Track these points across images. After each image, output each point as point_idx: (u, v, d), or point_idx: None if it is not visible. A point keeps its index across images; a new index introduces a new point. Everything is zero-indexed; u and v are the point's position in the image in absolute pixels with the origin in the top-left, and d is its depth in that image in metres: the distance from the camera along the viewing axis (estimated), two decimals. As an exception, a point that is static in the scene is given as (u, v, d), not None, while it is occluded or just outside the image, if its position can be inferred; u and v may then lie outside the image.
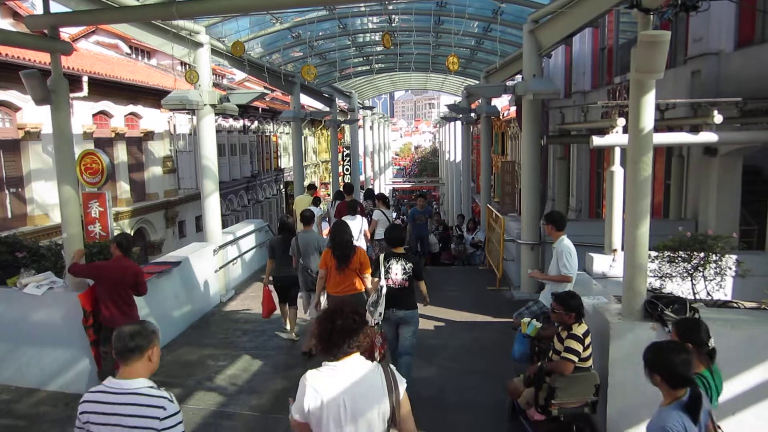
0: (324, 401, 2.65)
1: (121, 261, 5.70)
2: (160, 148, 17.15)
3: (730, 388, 4.42)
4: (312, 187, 12.38)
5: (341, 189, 11.58)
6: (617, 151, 7.75)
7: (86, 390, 2.59)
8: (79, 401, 2.76)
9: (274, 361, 6.89)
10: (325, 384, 2.68)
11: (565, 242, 5.71)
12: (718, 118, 7.07)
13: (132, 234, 15.42)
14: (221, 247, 9.66)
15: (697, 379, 3.03)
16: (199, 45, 9.26)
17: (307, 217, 7.24)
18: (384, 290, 5.47)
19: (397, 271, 5.54)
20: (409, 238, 9.96)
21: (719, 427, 3.05)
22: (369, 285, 5.92)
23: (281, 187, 27.89)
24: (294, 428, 2.78)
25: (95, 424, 2.69)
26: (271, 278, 7.44)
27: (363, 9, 11.20)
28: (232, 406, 5.69)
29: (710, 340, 3.21)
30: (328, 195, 28.12)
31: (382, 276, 5.56)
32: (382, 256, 5.70)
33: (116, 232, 7.53)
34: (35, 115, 11.69)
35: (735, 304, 5.12)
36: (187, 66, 10.29)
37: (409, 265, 5.56)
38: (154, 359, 2.79)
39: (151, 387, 2.73)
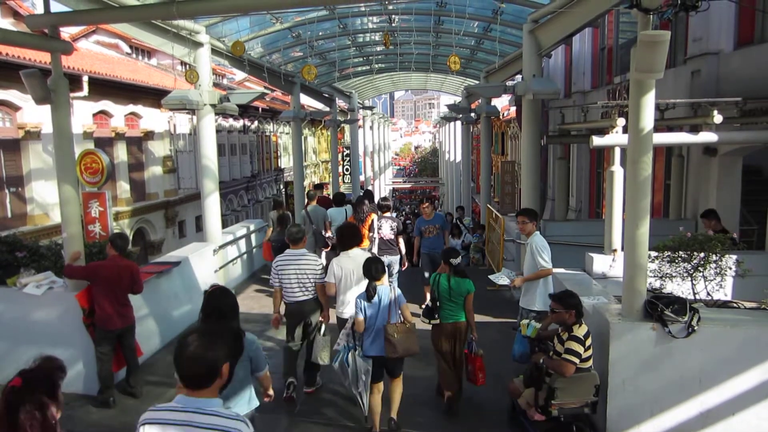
0: (343, 269, 5.52)
1: (116, 260, 5.68)
2: (160, 148, 17.15)
3: (731, 388, 4.43)
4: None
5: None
6: (617, 151, 7.74)
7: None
8: (274, 262, 5.69)
9: (274, 362, 6.85)
10: (344, 261, 5.56)
11: (538, 237, 5.87)
12: (717, 118, 7.06)
13: (132, 234, 15.41)
14: (221, 247, 9.67)
15: (444, 277, 5.46)
16: (200, 45, 9.25)
17: (312, 195, 10.13)
18: (377, 242, 8.15)
19: (386, 229, 8.23)
20: (417, 257, 8.90)
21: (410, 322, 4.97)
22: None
23: (281, 187, 27.89)
24: (328, 289, 5.57)
25: (283, 267, 5.59)
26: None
27: (363, 9, 11.19)
28: (232, 405, 5.68)
29: (454, 261, 5.42)
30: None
31: (375, 232, 8.19)
32: (375, 218, 8.31)
33: (116, 232, 7.53)
34: (35, 115, 11.69)
35: (735, 304, 5.12)
36: (187, 66, 10.29)
37: (395, 224, 8.35)
38: (308, 240, 6.09)
39: (307, 251, 5.74)
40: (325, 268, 5.75)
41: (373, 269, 4.93)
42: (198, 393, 2.32)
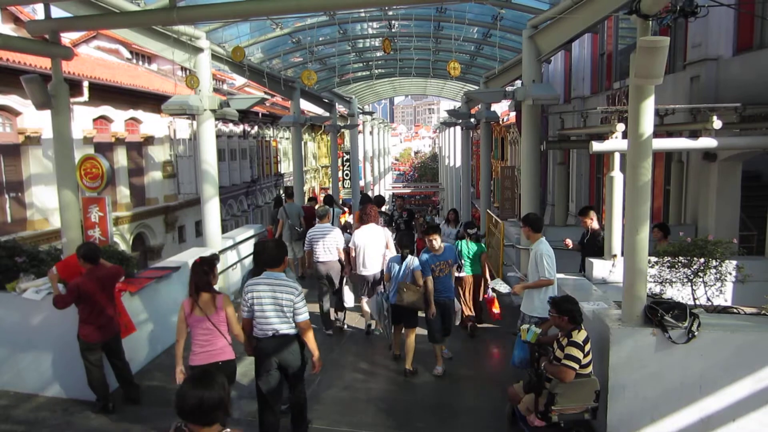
0: (362, 239, 7.42)
1: (94, 272, 5.53)
2: (160, 153, 17.17)
3: (732, 394, 4.42)
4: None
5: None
6: (617, 157, 7.75)
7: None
8: (309, 232, 7.86)
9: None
10: (361, 233, 7.46)
11: (543, 245, 5.73)
12: (717, 124, 7.08)
13: (131, 239, 15.41)
14: (221, 252, 9.65)
15: (464, 242, 7.95)
16: (200, 50, 9.27)
17: (290, 193, 11.49)
18: None
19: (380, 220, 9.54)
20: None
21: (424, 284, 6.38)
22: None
23: (281, 192, 27.92)
24: (350, 257, 7.60)
25: (315, 236, 7.73)
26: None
27: (363, 14, 11.24)
28: (232, 411, 5.67)
29: (471, 231, 7.97)
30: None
31: None
32: None
33: (115, 237, 7.52)
34: (36, 120, 11.70)
35: (735, 310, 5.11)
36: (188, 71, 10.31)
37: (387, 216, 10.32)
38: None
39: (331, 225, 8.17)
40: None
41: (404, 241, 6.64)
42: (273, 269, 4.57)
